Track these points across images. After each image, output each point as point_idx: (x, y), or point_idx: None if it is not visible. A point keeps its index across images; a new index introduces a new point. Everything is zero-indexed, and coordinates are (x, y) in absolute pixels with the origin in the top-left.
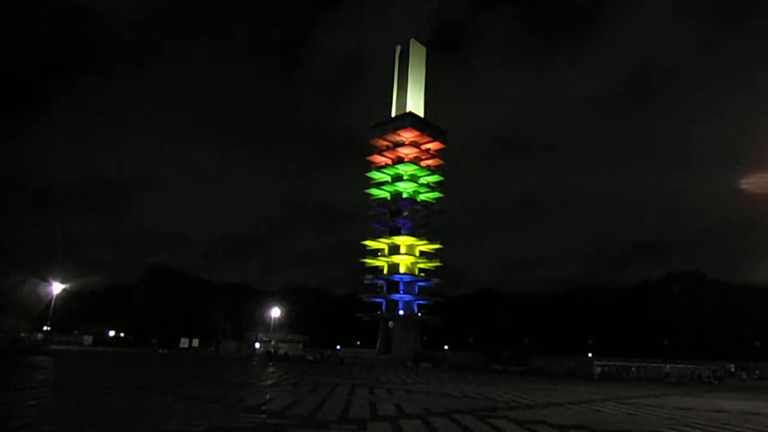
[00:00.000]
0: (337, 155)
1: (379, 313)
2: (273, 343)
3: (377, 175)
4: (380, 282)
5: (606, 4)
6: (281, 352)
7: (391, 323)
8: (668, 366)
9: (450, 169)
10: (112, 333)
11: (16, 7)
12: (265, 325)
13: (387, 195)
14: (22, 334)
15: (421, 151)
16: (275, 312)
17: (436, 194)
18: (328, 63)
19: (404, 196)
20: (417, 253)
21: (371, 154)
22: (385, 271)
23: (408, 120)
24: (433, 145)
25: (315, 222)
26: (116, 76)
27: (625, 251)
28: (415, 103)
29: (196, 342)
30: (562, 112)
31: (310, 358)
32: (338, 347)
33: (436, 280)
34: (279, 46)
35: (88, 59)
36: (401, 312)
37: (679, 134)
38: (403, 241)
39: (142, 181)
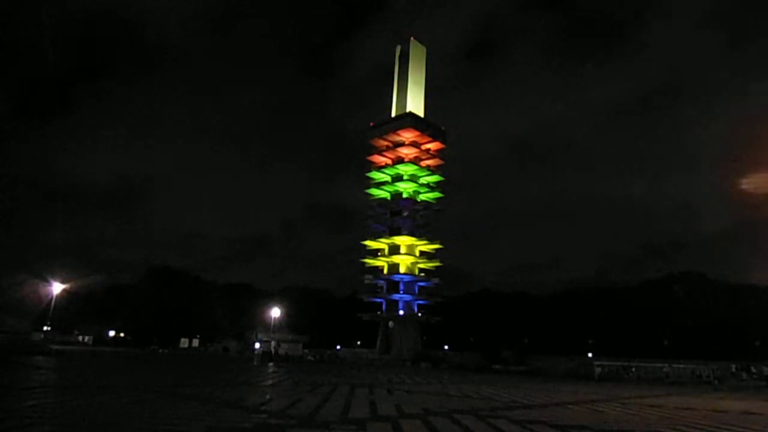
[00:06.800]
0: (355, 158)
1: (379, 313)
2: (273, 343)
3: (377, 175)
4: (380, 282)
5: (640, 14)
6: (281, 352)
7: (391, 323)
8: (668, 366)
9: (459, 171)
10: (112, 333)
11: (54, 15)
12: (266, 325)
13: (387, 195)
14: (22, 334)
15: (421, 151)
16: (275, 312)
17: (437, 194)
18: (359, 69)
19: (404, 196)
20: (417, 253)
21: (371, 154)
22: (385, 271)
23: (408, 120)
24: (433, 145)
25: (329, 224)
26: (141, 80)
27: (634, 253)
28: (415, 103)
29: (196, 342)
30: (576, 118)
31: (311, 358)
32: (338, 347)
33: (436, 280)
34: (308, 51)
35: (115, 63)
36: (401, 312)
37: (688, 138)
38: (403, 241)
39: (163, 184)
